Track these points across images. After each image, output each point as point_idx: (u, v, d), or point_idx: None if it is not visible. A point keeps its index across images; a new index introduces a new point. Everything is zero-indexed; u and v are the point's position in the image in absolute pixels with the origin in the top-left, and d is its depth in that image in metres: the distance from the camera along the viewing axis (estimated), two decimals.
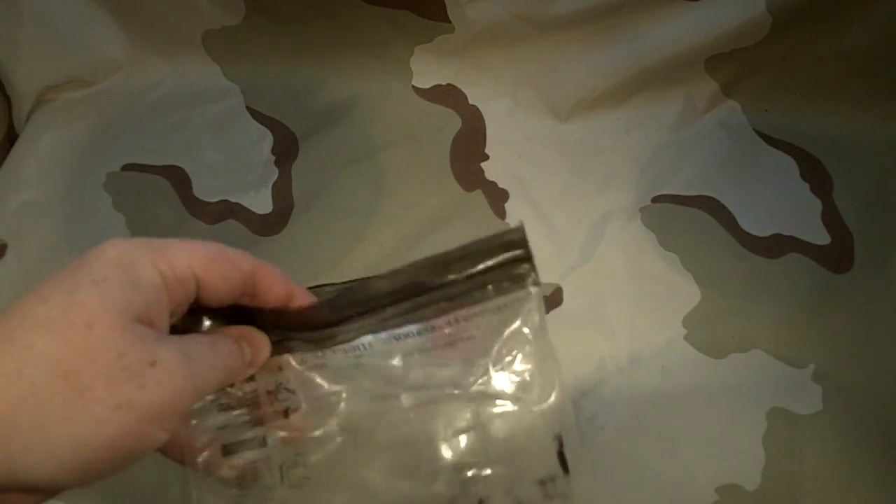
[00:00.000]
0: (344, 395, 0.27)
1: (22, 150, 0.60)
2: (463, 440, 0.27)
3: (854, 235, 0.56)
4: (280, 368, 0.26)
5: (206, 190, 0.58)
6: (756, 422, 0.46)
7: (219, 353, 0.24)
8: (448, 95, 0.65)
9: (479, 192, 0.58)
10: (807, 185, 0.59)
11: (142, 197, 0.57)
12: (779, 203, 0.58)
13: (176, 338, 0.22)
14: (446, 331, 0.28)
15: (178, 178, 0.58)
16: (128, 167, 0.59)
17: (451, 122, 0.63)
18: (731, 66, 0.61)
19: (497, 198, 0.58)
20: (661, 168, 0.60)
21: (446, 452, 0.27)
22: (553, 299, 0.52)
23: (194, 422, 0.25)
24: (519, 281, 0.28)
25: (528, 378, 0.28)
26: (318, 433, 0.27)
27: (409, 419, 0.27)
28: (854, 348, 0.50)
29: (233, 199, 0.57)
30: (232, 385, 0.26)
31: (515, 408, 0.28)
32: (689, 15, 0.59)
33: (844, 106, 0.62)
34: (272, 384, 0.26)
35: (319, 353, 0.27)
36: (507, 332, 0.28)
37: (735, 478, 0.44)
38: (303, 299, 0.26)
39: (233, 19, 0.63)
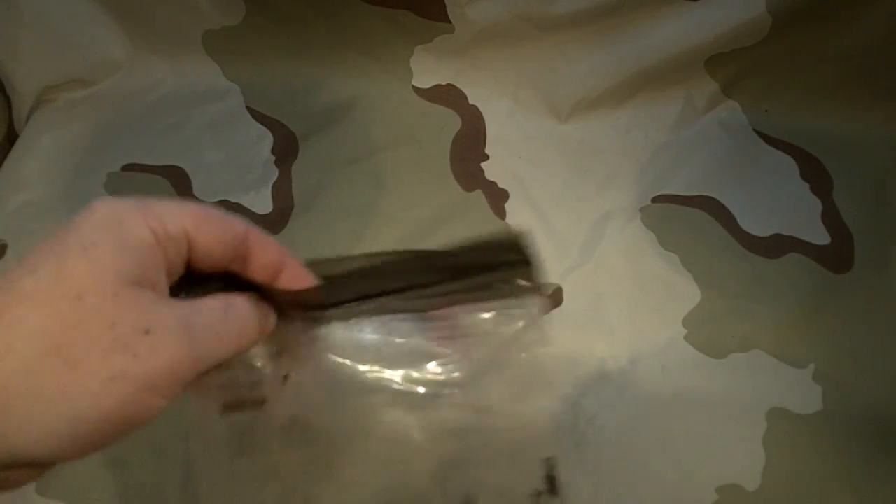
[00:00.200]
0: (339, 369, 0.27)
1: (22, 150, 0.60)
2: (451, 440, 0.27)
3: (854, 235, 0.56)
4: (282, 334, 0.26)
5: (206, 190, 0.58)
6: (756, 422, 0.46)
7: (233, 318, 0.23)
8: (448, 95, 0.65)
9: (479, 192, 0.58)
10: (807, 185, 0.59)
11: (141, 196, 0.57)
12: (779, 203, 0.58)
13: (178, 303, 0.21)
14: (444, 325, 0.28)
15: (178, 178, 0.58)
16: (128, 167, 0.59)
17: (451, 122, 0.63)
18: (731, 66, 0.61)
19: (497, 198, 0.58)
20: (661, 168, 0.60)
21: (433, 448, 0.27)
22: (553, 299, 0.52)
23: None
24: (523, 288, 0.27)
25: (519, 389, 0.28)
26: (314, 399, 0.27)
27: (398, 411, 0.27)
28: (854, 348, 0.50)
29: (233, 199, 0.57)
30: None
31: (506, 416, 0.27)
32: (689, 15, 0.59)
33: (844, 106, 0.62)
34: (274, 348, 0.26)
35: (319, 328, 0.27)
36: (507, 335, 0.28)
37: (735, 478, 0.44)
38: (295, 270, 0.25)
39: (233, 19, 0.63)
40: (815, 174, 0.60)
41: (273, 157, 0.60)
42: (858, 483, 0.44)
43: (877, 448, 0.45)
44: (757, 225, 0.56)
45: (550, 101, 0.64)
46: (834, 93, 0.62)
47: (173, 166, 0.59)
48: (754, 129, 0.63)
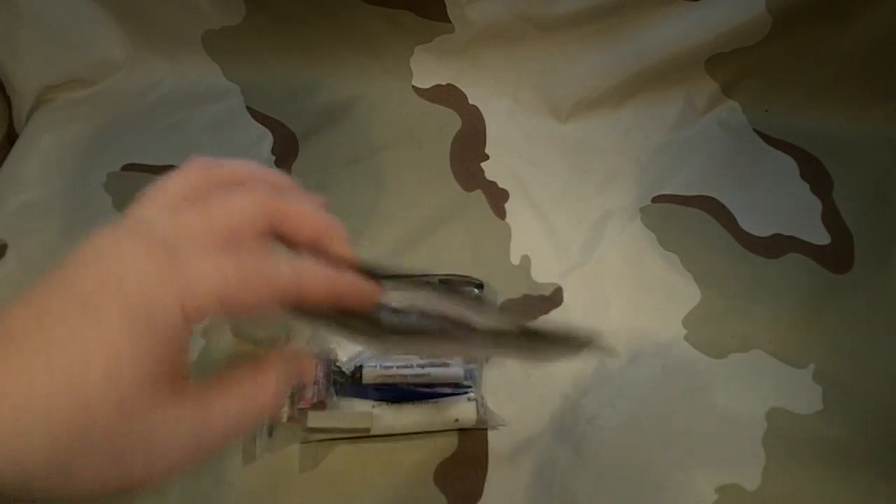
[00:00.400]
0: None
1: (22, 150, 0.60)
2: None
3: (854, 235, 0.56)
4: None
5: None
6: (756, 422, 0.46)
7: (249, 416, 0.22)
8: (448, 95, 0.65)
9: (479, 192, 0.58)
10: (807, 185, 0.59)
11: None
12: (779, 203, 0.58)
13: (191, 399, 0.20)
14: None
15: None
16: (128, 167, 0.59)
17: (451, 122, 0.63)
18: (731, 66, 0.61)
19: (497, 198, 0.58)
20: (661, 168, 0.60)
21: None
22: (553, 299, 0.52)
23: None
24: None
25: None
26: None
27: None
28: (854, 348, 0.50)
29: None
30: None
31: None
32: (689, 15, 0.59)
33: (844, 106, 0.62)
34: None
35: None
36: None
37: (735, 478, 0.44)
38: (338, 245, 0.25)
39: (233, 19, 0.63)
40: (815, 174, 0.60)
41: (273, 157, 0.60)
42: (858, 483, 0.44)
43: (877, 448, 0.45)
44: (757, 225, 0.56)
45: (550, 101, 0.64)
46: (834, 93, 0.62)
47: (173, 166, 0.59)
48: (754, 129, 0.63)
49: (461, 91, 0.65)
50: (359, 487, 0.43)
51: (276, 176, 0.25)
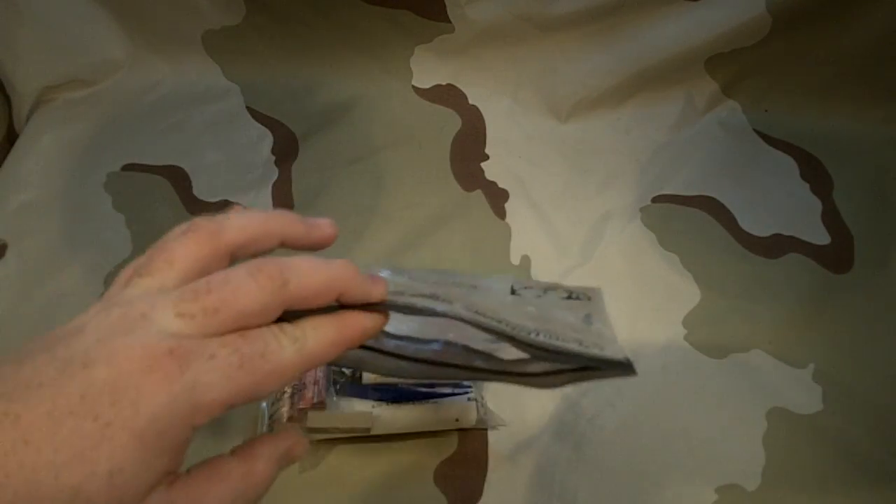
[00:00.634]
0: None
1: (22, 150, 0.60)
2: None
3: (854, 235, 0.56)
4: None
5: (206, 190, 0.58)
6: (756, 422, 0.46)
7: (226, 491, 0.22)
8: (448, 95, 0.65)
9: (479, 192, 0.58)
10: (807, 185, 0.59)
11: (142, 197, 0.57)
12: (779, 203, 0.58)
13: (177, 490, 0.21)
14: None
15: (178, 178, 0.58)
16: (128, 167, 0.59)
17: (451, 122, 0.63)
18: (731, 66, 0.61)
19: (497, 198, 0.58)
20: (661, 168, 0.60)
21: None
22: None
23: None
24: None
25: None
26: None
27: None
28: (854, 348, 0.50)
29: (233, 199, 0.57)
30: None
31: None
32: (689, 15, 0.59)
33: (844, 106, 0.62)
34: None
35: None
36: None
37: (735, 478, 0.44)
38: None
39: (233, 19, 0.63)
40: (815, 174, 0.60)
41: (273, 157, 0.60)
42: (858, 483, 0.44)
43: (877, 448, 0.45)
44: (757, 225, 0.56)
45: (550, 101, 0.64)
46: (834, 93, 0.62)
47: (173, 166, 0.59)
48: (754, 129, 0.63)
49: (461, 91, 0.65)
50: (359, 487, 0.43)
51: (281, 224, 0.24)
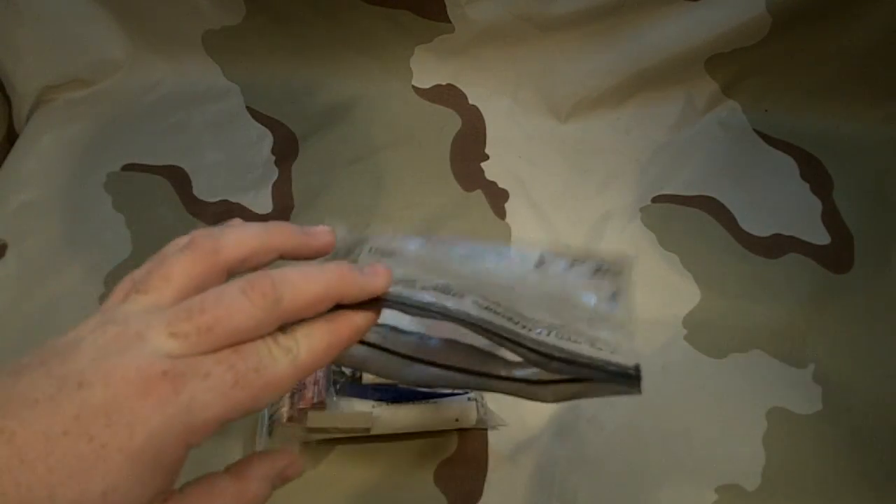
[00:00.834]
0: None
1: (22, 150, 0.60)
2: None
3: (854, 235, 0.56)
4: None
5: (206, 190, 0.58)
6: (756, 422, 0.46)
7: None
8: (448, 95, 0.65)
9: (479, 192, 0.58)
10: (807, 185, 0.59)
11: (142, 197, 0.57)
12: (779, 203, 0.58)
13: None
14: None
15: (178, 178, 0.58)
16: (128, 167, 0.59)
17: (451, 122, 0.63)
18: (731, 66, 0.61)
19: (497, 198, 0.58)
20: (661, 168, 0.60)
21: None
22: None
23: None
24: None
25: None
26: None
27: None
28: (854, 348, 0.50)
29: (233, 199, 0.57)
30: None
31: None
32: (689, 15, 0.59)
33: (844, 106, 0.62)
34: None
35: None
36: None
37: (735, 478, 0.44)
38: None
39: (233, 19, 0.63)
40: (815, 174, 0.60)
41: (273, 157, 0.60)
42: (858, 483, 0.44)
43: (876, 448, 0.45)
44: (757, 225, 0.56)
45: (550, 101, 0.64)
46: (834, 93, 0.62)
47: (173, 166, 0.59)
48: (754, 129, 0.63)
49: (461, 91, 0.65)
50: (359, 487, 0.43)
51: (279, 238, 0.24)
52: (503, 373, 0.27)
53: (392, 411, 0.43)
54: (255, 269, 0.24)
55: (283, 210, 0.57)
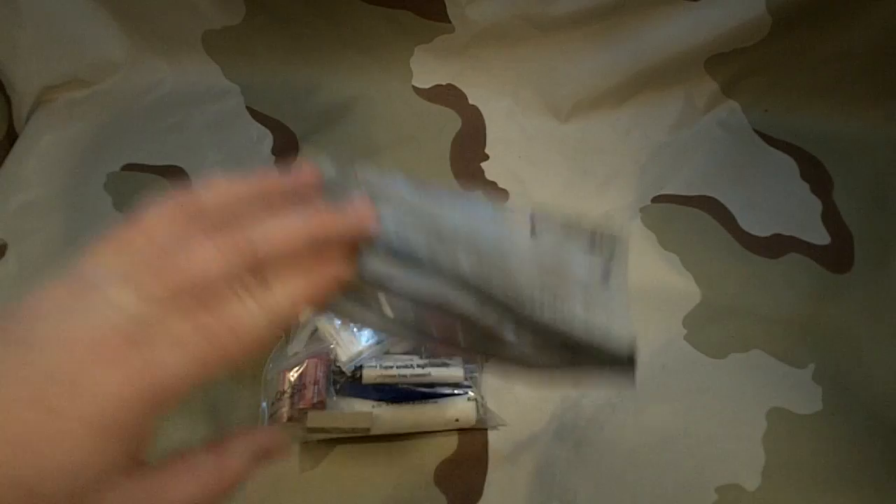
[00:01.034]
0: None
1: (22, 150, 0.60)
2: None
3: (854, 235, 0.56)
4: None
5: None
6: (756, 422, 0.46)
7: (194, 485, 0.20)
8: (448, 95, 0.65)
9: (479, 192, 0.58)
10: (807, 185, 0.59)
11: (142, 197, 0.57)
12: (779, 203, 0.58)
13: (141, 483, 0.19)
14: None
15: (178, 178, 0.58)
16: (128, 167, 0.59)
17: (451, 122, 0.63)
18: (731, 66, 0.61)
19: (497, 198, 0.58)
20: (661, 168, 0.60)
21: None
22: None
23: None
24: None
25: None
26: None
27: None
28: (854, 348, 0.50)
29: None
30: None
31: None
32: (689, 15, 0.59)
33: (844, 106, 0.62)
34: None
35: None
36: None
37: (735, 478, 0.44)
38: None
39: (233, 19, 0.63)
40: (815, 174, 0.60)
41: (273, 157, 0.60)
42: (858, 483, 0.44)
43: (876, 448, 0.45)
44: (757, 225, 0.56)
45: (550, 101, 0.64)
46: (834, 93, 0.62)
47: (173, 166, 0.59)
48: (754, 129, 0.63)
49: (461, 91, 0.65)
50: (359, 487, 0.43)
51: (261, 184, 0.23)
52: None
53: (392, 411, 0.43)
54: (236, 218, 0.22)
55: None
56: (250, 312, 0.20)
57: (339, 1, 0.61)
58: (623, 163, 0.61)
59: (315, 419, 0.42)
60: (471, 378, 0.45)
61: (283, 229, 0.21)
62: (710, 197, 0.58)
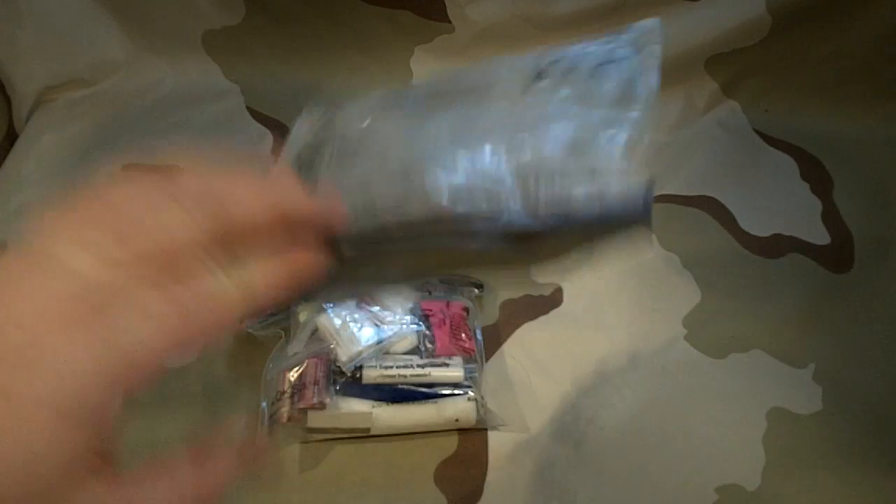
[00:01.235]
0: None
1: (22, 150, 0.60)
2: None
3: (854, 235, 0.56)
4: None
5: None
6: (756, 422, 0.46)
7: (170, 492, 0.19)
8: None
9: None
10: (807, 185, 0.59)
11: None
12: (779, 203, 0.58)
13: (111, 488, 0.18)
14: None
15: None
16: (128, 167, 0.59)
17: None
18: (731, 66, 0.61)
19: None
20: (661, 168, 0.60)
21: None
22: (553, 299, 0.52)
23: None
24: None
25: None
26: None
27: None
28: (854, 348, 0.50)
29: None
30: None
31: None
32: (689, 15, 0.59)
33: (844, 106, 0.62)
34: None
35: None
36: None
37: (735, 478, 0.44)
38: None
39: (233, 19, 0.63)
40: (815, 174, 0.60)
41: (273, 158, 0.60)
42: (858, 482, 0.44)
43: (877, 448, 0.45)
44: (757, 225, 0.56)
45: None
46: (834, 93, 0.62)
47: (173, 166, 0.59)
48: (754, 129, 0.63)
49: None
50: (359, 487, 0.43)
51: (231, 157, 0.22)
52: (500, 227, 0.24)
53: (392, 411, 0.43)
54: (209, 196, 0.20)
55: None
56: (223, 286, 0.19)
57: (339, 1, 0.61)
58: None
59: (315, 419, 0.42)
60: (471, 378, 0.45)
61: (257, 196, 0.20)
62: (710, 197, 0.58)
